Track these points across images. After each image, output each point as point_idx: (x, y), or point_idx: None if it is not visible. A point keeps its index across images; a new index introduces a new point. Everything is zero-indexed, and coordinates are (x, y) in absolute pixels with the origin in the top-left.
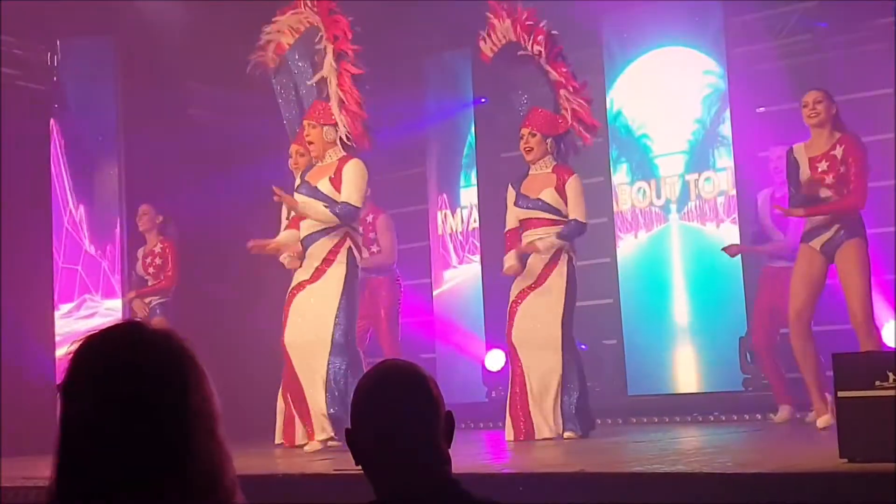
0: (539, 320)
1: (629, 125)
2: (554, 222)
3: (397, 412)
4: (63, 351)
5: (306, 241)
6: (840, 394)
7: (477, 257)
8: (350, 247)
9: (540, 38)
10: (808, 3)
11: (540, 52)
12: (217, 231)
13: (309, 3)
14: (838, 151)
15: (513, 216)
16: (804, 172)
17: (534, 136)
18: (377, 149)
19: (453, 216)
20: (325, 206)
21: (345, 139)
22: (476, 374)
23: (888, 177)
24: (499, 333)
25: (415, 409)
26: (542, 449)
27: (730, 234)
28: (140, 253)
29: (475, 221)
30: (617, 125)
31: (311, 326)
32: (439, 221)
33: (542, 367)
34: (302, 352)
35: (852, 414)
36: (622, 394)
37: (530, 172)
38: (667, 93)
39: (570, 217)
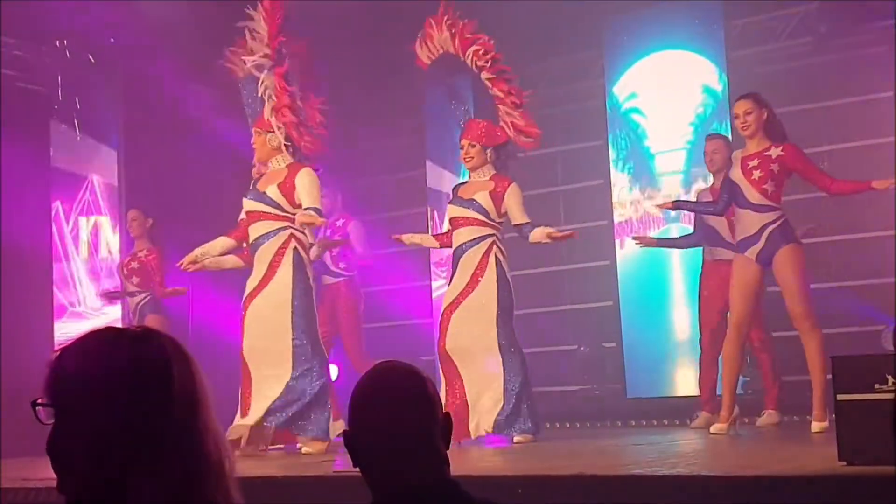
0: (474, 328)
1: (629, 128)
2: (482, 223)
3: (395, 413)
4: None
5: (254, 246)
6: (839, 397)
7: (444, 271)
8: (295, 247)
9: (480, 52)
10: (808, 6)
11: (481, 66)
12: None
13: (260, 7)
14: (773, 152)
15: (448, 214)
16: (735, 171)
17: (473, 146)
18: (380, 150)
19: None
20: (309, 210)
21: (286, 144)
22: None
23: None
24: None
25: (412, 409)
26: (542, 451)
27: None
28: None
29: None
30: (616, 128)
31: (270, 335)
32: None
33: (481, 372)
34: (262, 360)
35: (851, 417)
36: (621, 396)
37: (470, 179)
38: (667, 96)
39: (520, 222)
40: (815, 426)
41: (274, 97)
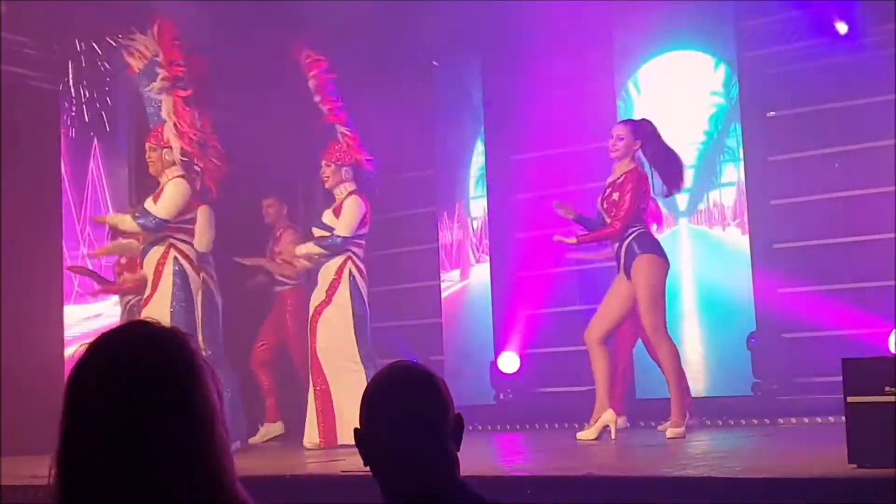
0: (336, 333)
1: None
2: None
3: (407, 413)
4: (72, 350)
5: (142, 254)
6: (849, 399)
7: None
8: (175, 256)
9: (315, 73)
10: (822, 6)
11: (315, 86)
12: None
13: (152, 31)
14: (620, 179)
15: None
16: (599, 198)
17: (328, 166)
18: (386, 151)
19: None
20: (132, 219)
21: (181, 159)
22: (484, 377)
23: (888, 183)
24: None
25: (424, 410)
26: (552, 451)
27: (735, 237)
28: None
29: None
30: None
31: None
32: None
33: (346, 378)
34: None
35: (861, 419)
36: (630, 397)
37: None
38: (677, 96)
39: (336, 232)
40: (670, 432)
41: (175, 119)
